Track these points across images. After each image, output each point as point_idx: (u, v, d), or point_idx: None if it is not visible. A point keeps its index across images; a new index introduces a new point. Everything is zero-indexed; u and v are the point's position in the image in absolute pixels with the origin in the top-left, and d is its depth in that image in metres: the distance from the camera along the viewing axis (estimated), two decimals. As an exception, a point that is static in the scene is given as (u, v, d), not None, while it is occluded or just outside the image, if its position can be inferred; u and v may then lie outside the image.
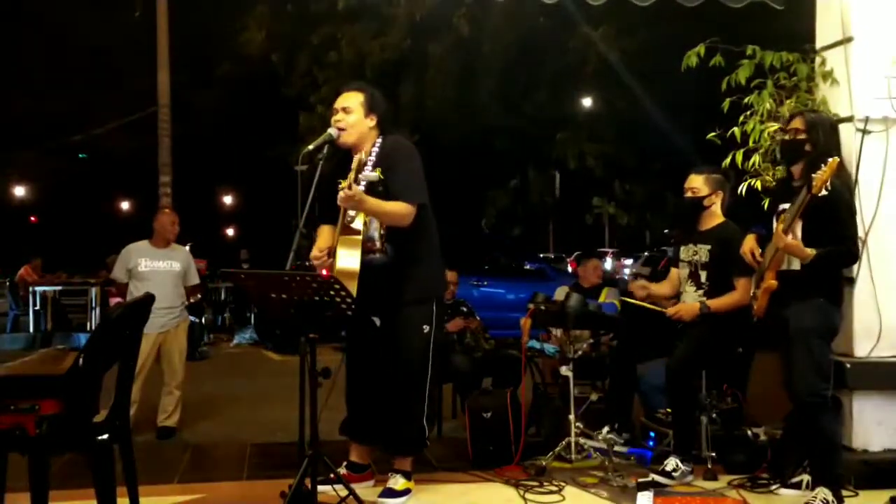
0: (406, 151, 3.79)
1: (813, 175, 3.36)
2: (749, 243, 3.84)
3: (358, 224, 3.54)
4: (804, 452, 3.86)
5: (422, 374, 3.77)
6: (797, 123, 3.76)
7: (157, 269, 5.47)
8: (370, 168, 3.66)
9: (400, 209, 3.60)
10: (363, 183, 3.46)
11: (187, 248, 5.93)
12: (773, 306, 3.70)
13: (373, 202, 3.49)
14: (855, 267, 4.01)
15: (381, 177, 3.56)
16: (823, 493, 3.53)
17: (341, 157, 3.75)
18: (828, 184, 3.36)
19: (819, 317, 3.60)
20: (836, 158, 3.42)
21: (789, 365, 3.65)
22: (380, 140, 3.81)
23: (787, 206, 3.68)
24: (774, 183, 4.30)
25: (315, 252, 3.81)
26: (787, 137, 3.81)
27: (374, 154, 3.75)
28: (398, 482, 3.79)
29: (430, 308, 3.79)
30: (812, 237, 3.54)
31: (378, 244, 3.64)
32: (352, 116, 3.75)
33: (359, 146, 3.75)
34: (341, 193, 3.35)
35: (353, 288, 3.46)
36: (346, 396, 3.93)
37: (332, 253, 3.75)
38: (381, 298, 3.66)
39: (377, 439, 3.93)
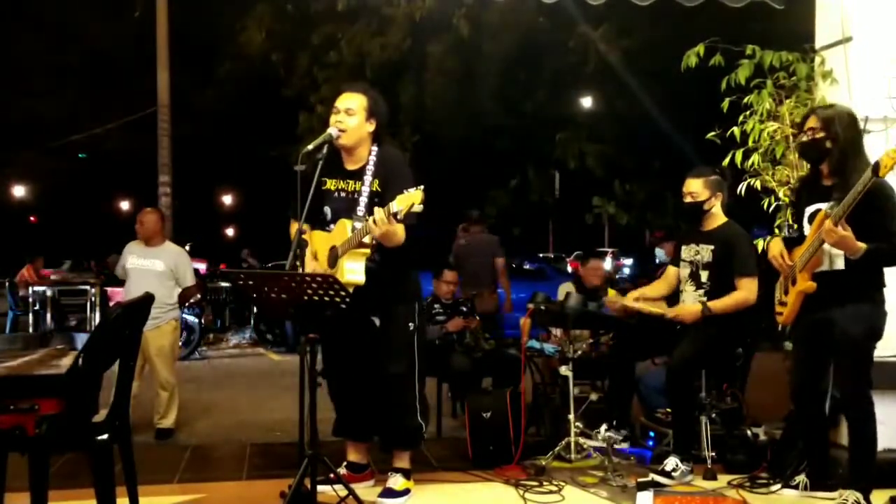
0: (402, 166, 3.80)
1: (880, 158, 3.22)
2: (777, 246, 3.75)
3: (367, 238, 3.54)
4: (804, 453, 3.86)
5: (410, 368, 3.83)
6: (812, 122, 3.63)
7: (139, 267, 5.46)
8: (370, 177, 3.71)
9: (402, 232, 3.65)
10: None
11: (186, 248, 5.92)
12: (807, 309, 3.62)
13: (393, 229, 3.51)
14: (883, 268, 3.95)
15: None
16: (855, 496, 3.50)
17: (328, 156, 3.74)
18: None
19: (866, 322, 3.52)
20: None
21: (835, 371, 3.59)
22: (375, 149, 3.82)
23: (820, 206, 3.55)
24: (798, 183, 4.09)
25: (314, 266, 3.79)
26: (804, 139, 3.67)
27: (371, 163, 3.77)
28: (398, 482, 3.80)
29: (414, 308, 3.89)
30: (856, 233, 3.38)
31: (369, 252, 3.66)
32: (353, 119, 3.74)
33: (354, 149, 3.79)
34: (380, 224, 3.34)
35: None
36: (332, 396, 3.94)
37: (315, 255, 3.77)
38: (371, 300, 3.67)
39: (371, 434, 3.96)
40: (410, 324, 3.84)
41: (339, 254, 3.60)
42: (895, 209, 3.46)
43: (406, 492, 3.79)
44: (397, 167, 3.77)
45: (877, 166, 3.22)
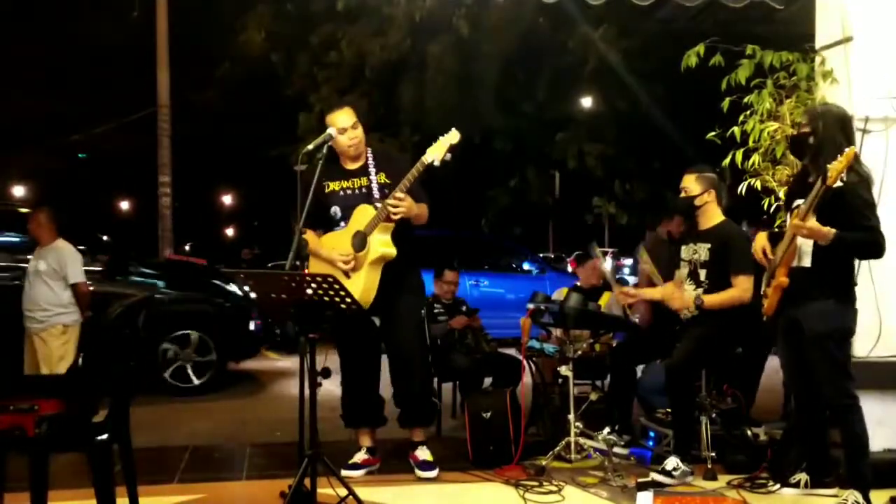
0: (404, 158, 4.18)
1: (828, 165, 3.26)
2: (760, 241, 3.77)
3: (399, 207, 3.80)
4: (804, 452, 3.86)
5: (423, 350, 4.18)
6: (802, 118, 3.71)
7: (30, 268, 5.32)
8: (374, 171, 4.02)
9: (426, 210, 3.99)
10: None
11: (186, 248, 5.89)
12: (783, 305, 3.64)
13: (417, 204, 3.85)
14: (854, 266, 3.98)
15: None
16: (854, 495, 3.50)
17: (325, 163, 3.83)
18: (843, 175, 3.28)
19: (830, 320, 3.52)
20: (853, 148, 3.31)
21: (810, 370, 3.60)
22: (369, 149, 4.13)
23: (801, 201, 3.56)
24: (791, 179, 4.10)
25: (344, 257, 3.88)
26: (792, 133, 3.77)
27: (370, 161, 4.07)
28: (426, 453, 4.07)
29: (421, 301, 4.24)
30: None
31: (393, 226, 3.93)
32: (358, 130, 4.05)
33: (359, 153, 4.10)
34: (394, 201, 3.68)
35: (378, 273, 3.80)
36: (345, 387, 4.11)
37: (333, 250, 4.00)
38: (383, 289, 3.86)
39: (382, 418, 4.22)
40: (421, 311, 4.16)
41: (367, 233, 3.79)
42: (867, 208, 3.47)
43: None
44: (401, 161, 4.13)
45: (825, 175, 3.26)
